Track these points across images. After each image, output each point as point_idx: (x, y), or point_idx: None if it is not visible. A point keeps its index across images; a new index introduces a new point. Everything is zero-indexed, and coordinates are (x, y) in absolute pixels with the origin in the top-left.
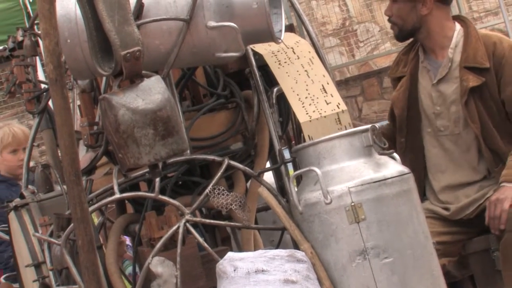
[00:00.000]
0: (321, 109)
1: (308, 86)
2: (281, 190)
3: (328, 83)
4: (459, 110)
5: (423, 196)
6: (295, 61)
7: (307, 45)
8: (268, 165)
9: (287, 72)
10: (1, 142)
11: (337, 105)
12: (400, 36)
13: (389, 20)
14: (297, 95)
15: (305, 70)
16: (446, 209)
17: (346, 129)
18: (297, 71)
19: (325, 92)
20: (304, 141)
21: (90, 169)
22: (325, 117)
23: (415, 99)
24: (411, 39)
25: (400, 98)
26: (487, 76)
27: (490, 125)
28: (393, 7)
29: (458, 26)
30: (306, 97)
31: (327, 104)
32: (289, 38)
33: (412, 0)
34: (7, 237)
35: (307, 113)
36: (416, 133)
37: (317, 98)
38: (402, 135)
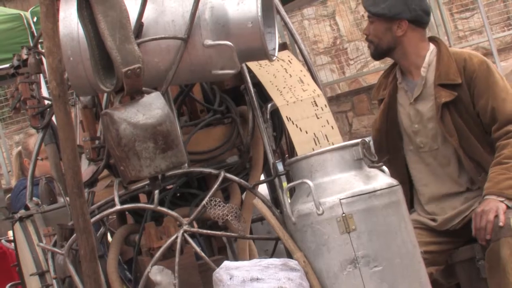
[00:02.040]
0: (298, 95)
1: (286, 79)
2: (275, 202)
3: (305, 76)
4: (435, 126)
5: (410, 208)
6: (275, 63)
7: (286, 52)
8: (262, 177)
9: (267, 71)
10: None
11: (313, 91)
12: (375, 54)
13: (366, 39)
14: (275, 86)
15: (284, 68)
16: (433, 220)
17: (322, 110)
18: (277, 69)
19: (302, 82)
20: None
21: (92, 182)
22: (301, 100)
23: (394, 119)
24: (390, 62)
25: (378, 120)
26: (460, 91)
27: (471, 137)
28: (370, 27)
29: (432, 46)
30: (284, 87)
31: (304, 91)
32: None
33: (388, 22)
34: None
35: (284, 99)
36: (398, 151)
37: (294, 87)
38: (383, 154)
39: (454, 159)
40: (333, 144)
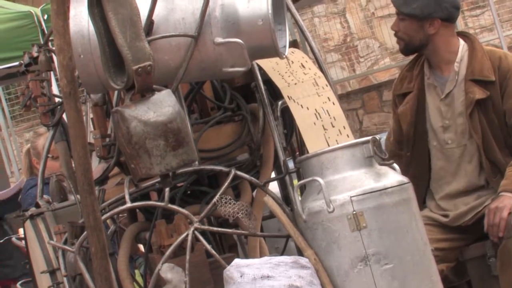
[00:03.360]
0: (299, 78)
1: (288, 66)
2: (286, 199)
3: (307, 62)
4: (465, 122)
5: (422, 205)
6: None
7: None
8: (273, 175)
9: (269, 59)
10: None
11: (314, 74)
12: (406, 50)
13: (395, 35)
14: (278, 71)
15: (287, 58)
16: (445, 216)
17: (323, 89)
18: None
19: (304, 67)
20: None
21: (103, 179)
22: (302, 82)
23: (422, 114)
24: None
25: (408, 114)
26: (492, 89)
27: (491, 138)
28: (400, 24)
29: (462, 42)
30: (285, 72)
31: (305, 74)
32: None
33: (420, 20)
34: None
35: (286, 82)
36: (422, 147)
37: (296, 71)
38: (409, 149)
39: (476, 156)
40: (334, 119)
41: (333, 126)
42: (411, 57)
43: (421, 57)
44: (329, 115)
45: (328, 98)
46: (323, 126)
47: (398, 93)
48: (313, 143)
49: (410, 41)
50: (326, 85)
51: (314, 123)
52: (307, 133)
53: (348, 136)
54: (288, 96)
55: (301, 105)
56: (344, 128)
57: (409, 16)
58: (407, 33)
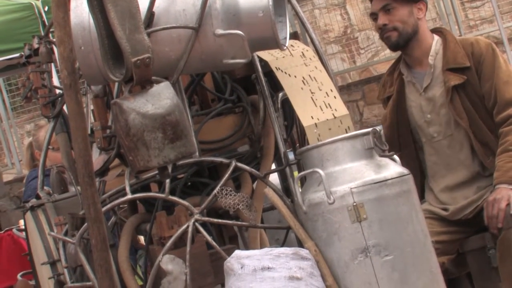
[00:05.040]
0: (286, 53)
1: None
2: (286, 191)
3: (296, 43)
4: (448, 112)
5: (421, 199)
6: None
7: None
8: (273, 167)
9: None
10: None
11: (302, 48)
12: (400, 41)
13: (383, 29)
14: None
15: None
16: (445, 209)
17: (310, 60)
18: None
19: (292, 46)
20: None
21: (103, 171)
22: (290, 55)
23: (404, 113)
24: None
25: (388, 116)
26: (469, 75)
27: (478, 120)
28: (387, 17)
29: (436, 37)
30: (275, 51)
31: (293, 50)
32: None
33: (409, 5)
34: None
35: (273, 56)
36: (409, 145)
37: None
38: (396, 150)
39: (466, 143)
40: (321, 83)
41: (320, 90)
42: None
43: (399, 62)
44: (316, 81)
45: (315, 67)
46: (310, 90)
47: (383, 98)
48: (301, 106)
49: (404, 29)
50: (314, 56)
51: (302, 88)
52: (295, 98)
53: (335, 97)
54: (276, 67)
55: (289, 74)
56: (331, 90)
57: (398, 2)
58: (400, 20)
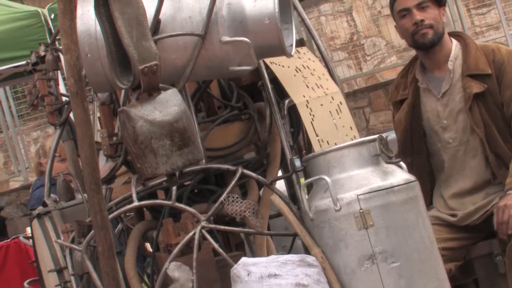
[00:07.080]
0: None
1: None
2: (293, 198)
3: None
4: (465, 118)
5: (429, 205)
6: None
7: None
8: (280, 173)
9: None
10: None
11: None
12: (435, 39)
13: (420, 25)
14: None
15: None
16: (453, 215)
17: (304, 54)
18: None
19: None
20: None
21: (110, 178)
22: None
23: (417, 121)
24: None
25: (402, 121)
26: (489, 82)
27: (494, 130)
28: (422, 13)
29: (454, 41)
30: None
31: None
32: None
33: (438, 7)
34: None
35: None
36: (422, 151)
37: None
38: (408, 155)
39: (480, 151)
40: (314, 70)
41: (313, 75)
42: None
43: (414, 64)
44: (309, 68)
45: (309, 58)
46: (302, 75)
47: (395, 100)
48: (294, 90)
49: (437, 28)
50: (308, 51)
51: (294, 75)
52: (289, 85)
53: (327, 80)
54: (271, 62)
55: (282, 65)
56: (323, 74)
57: (432, 2)
58: (434, 19)
